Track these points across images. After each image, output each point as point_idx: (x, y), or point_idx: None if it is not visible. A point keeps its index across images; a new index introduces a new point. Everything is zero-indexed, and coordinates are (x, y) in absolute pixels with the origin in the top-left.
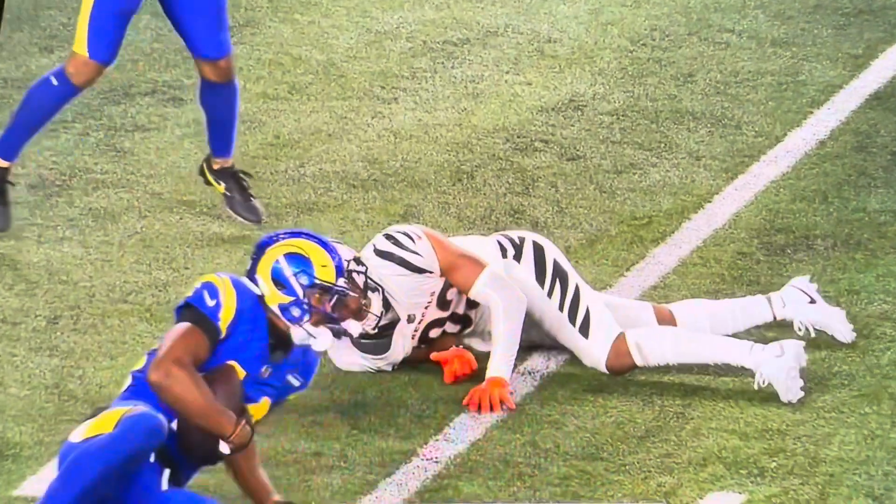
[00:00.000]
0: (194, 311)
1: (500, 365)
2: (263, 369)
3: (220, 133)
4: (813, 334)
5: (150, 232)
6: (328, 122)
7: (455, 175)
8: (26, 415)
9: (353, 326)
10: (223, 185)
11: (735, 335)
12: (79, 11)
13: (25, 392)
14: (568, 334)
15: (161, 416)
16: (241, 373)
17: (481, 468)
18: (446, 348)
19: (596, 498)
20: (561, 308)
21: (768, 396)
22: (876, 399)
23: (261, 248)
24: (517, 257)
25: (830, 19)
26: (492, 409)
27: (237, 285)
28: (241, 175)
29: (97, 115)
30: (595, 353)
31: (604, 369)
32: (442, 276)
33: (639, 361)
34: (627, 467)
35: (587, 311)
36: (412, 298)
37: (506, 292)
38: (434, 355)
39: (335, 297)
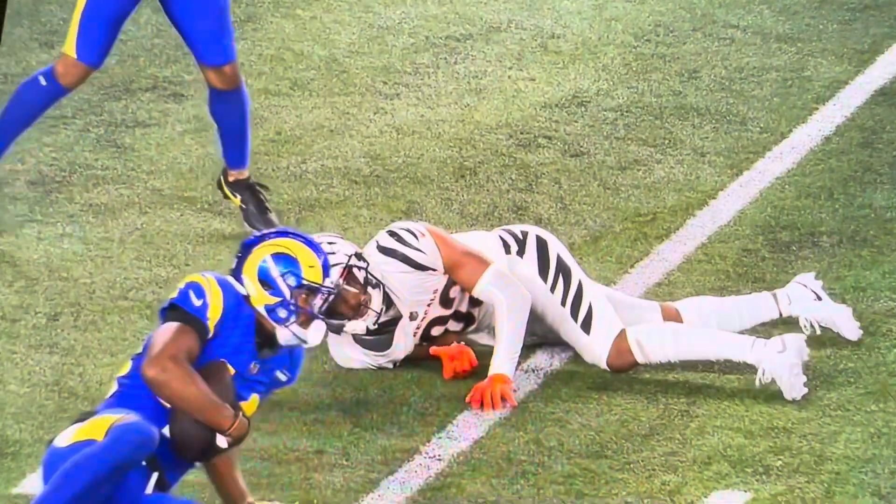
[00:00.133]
0: (181, 312)
1: (503, 362)
2: (252, 366)
3: (233, 143)
4: (818, 332)
5: (151, 228)
6: (330, 118)
7: (458, 171)
8: (26, 412)
9: (358, 326)
10: (239, 197)
11: (741, 333)
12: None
13: (25, 389)
14: (569, 330)
15: (152, 427)
16: (231, 370)
17: (484, 466)
18: (448, 345)
19: (600, 496)
20: (563, 303)
21: (773, 394)
22: (882, 397)
23: (247, 248)
24: (520, 252)
25: (836, 15)
26: (493, 405)
27: (223, 284)
28: (258, 188)
29: (97, 110)
30: (596, 349)
31: (604, 366)
32: (445, 273)
33: (640, 359)
34: (632, 465)
35: (590, 306)
36: (414, 296)
37: (510, 290)
38: (434, 349)
39: (322, 298)
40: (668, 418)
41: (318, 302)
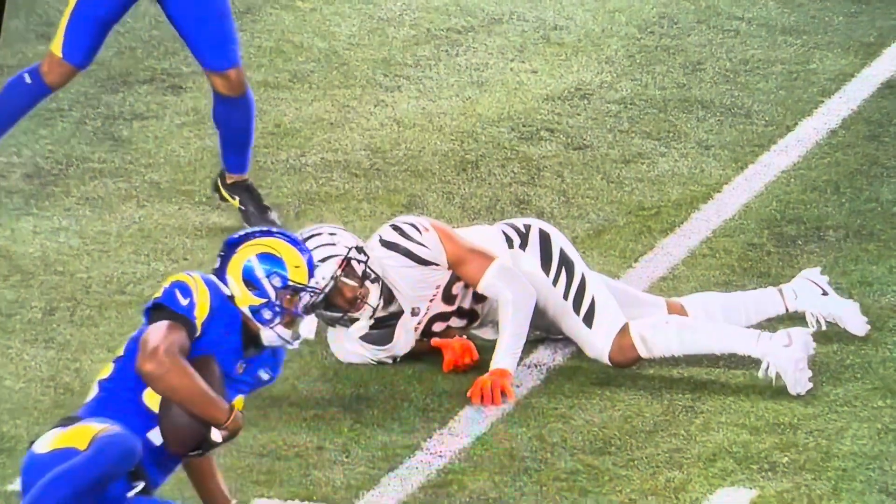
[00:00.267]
0: (167, 312)
1: (504, 357)
2: (238, 366)
3: (235, 149)
4: (825, 327)
5: (149, 222)
6: (330, 110)
7: (459, 164)
8: (22, 408)
9: (361, 327)
10: (237, 199)
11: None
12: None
13: (21, 385)
14: (572, 323)
15: (136, 438)
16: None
17: (486, 463)
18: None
19: (604, 493)
20: (566, 296)
21: (779, 390)
22: (889, 392)
23: (230, 247)
24: (523, 245)
25: (841, 7)
26: (493, 400)
27: (209, 283)
28: (255, 188)
29: (94, 103)
30: (598, 344)
31: (607, 361)
32: (449, 269)
33: (643, 353)
34: (636, 462)
35: (592, 300)
36: (417, 291)
37: (515, 285)
38: (435, 341)
39: (307, 298)
40: (673, 414)
41: (303, 303)
